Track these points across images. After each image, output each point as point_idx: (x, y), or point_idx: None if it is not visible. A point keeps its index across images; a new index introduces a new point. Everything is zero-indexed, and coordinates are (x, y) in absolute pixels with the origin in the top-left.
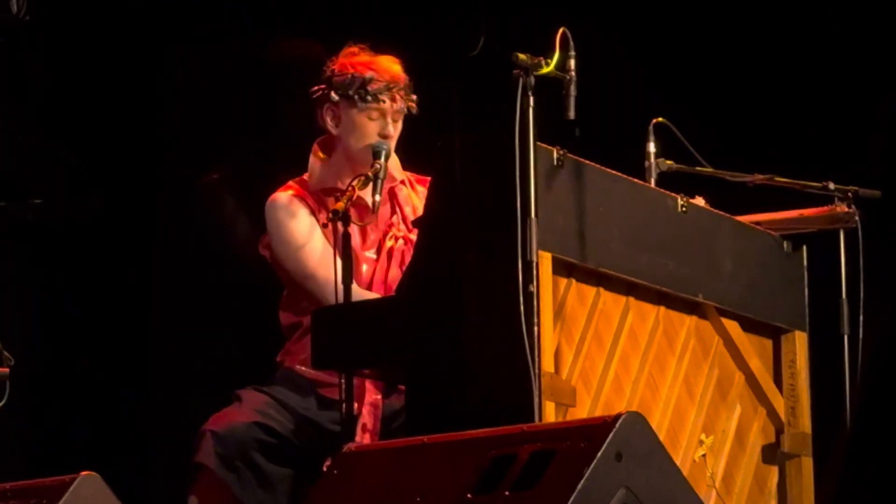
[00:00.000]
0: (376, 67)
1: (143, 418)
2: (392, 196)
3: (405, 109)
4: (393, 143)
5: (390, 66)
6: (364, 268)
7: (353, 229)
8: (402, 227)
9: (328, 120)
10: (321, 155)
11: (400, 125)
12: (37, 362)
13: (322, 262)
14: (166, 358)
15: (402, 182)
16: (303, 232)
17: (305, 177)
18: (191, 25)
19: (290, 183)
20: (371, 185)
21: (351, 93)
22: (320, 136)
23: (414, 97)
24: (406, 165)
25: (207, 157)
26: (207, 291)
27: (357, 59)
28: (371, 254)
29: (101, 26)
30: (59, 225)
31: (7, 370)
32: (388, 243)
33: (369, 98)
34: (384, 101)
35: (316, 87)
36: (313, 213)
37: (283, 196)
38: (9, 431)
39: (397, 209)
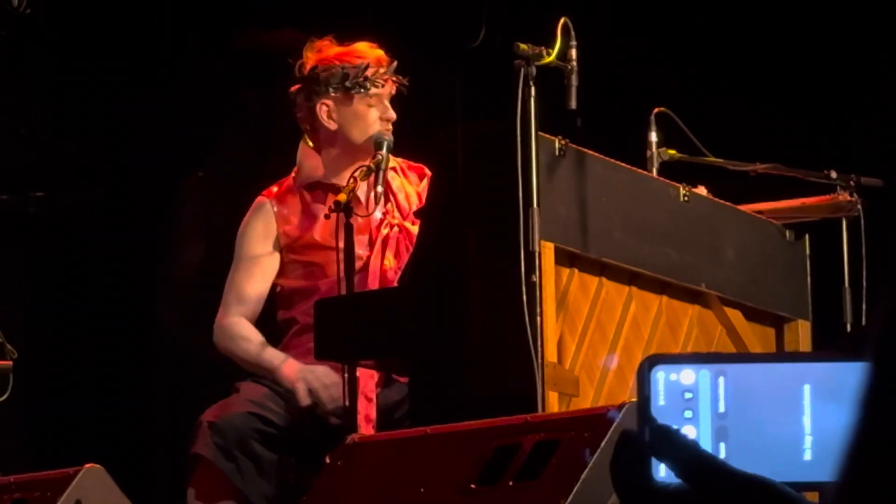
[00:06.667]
0: (363, 55)
1: (147, 410)
2: (385, 184)
3: (394, 92)
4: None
5: (374, 51)
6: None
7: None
8: (397, 214)
9: (322, 116)
10: (312, 150)
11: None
12: (40, 355)
13: (253, 279)
14: (170, 350)
15: (394, 169)
16: (254, 244)
17: (294, 173)
18: (196, 15)
19: (276, 185)
20: (372, 176)
21: (348, 84)
22: (306, 133)
23: (401, 77)
24: (407, 155)
25: (209, 149)
26: (210, 283)
27: (337, 50)
28: (360, 249)
29: (102, 18)
30: (61, 217)
31: (10, 363)
32: (384, 231)
33: (368, 85)
34: (381, 86)
35: (295, 87)
36: (284, 218)
37: (259, 200)
38: (12, 424)
39: (391, 197)
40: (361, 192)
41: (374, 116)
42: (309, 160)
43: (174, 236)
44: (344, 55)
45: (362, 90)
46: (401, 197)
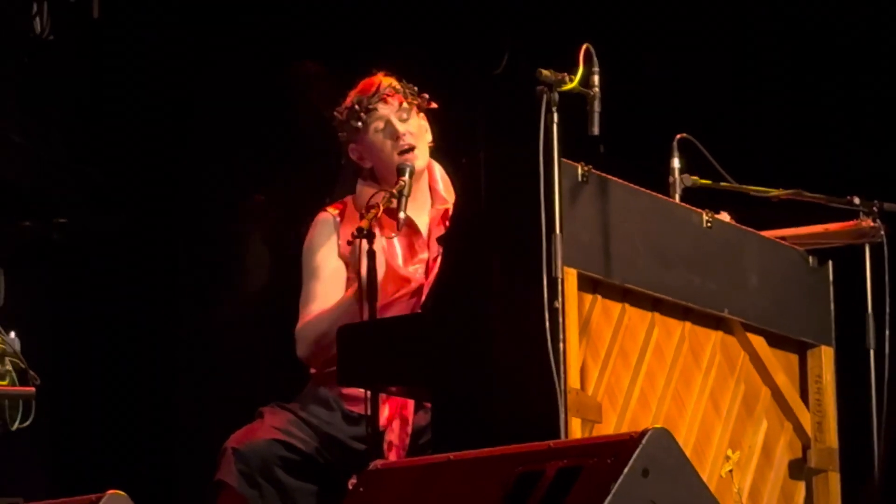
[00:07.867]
0: (358, 90)
1: (171, 436)
2: (445, 218)
3: (409, 105)
4: (415, 140)
5: (368, 81)
6: (410, 283)
7: (397, 246)
8: None
9: (356, 159)
10: (368, 181)
11: (416, 122)
12: (63, 381)
13: (324, 283)
14: (193, 375)
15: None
16: (322, 258)
17: (349, 199)
18: (213, 44)
19: (339, 203)
20: (398, 201)
21: (353, 123)
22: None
23: (408, 88)
24: None
25: (231, 175)
26: (234, 308)
27: (346, 101)
28: (417, 274)
29: (124, 46)
30: (83, 244)
31: (33, 389)
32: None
33: (364, 114)
34: (376, 109)
35: (343, 157)
36: (346, 232)
37: (324, 215)
38: (36, 450)
39: None
40: (421, 219)
41: (386, 138)
42: (369, 189)
43: (237, 260)
44: (349, 97)
45: (360, 123)
46: None
